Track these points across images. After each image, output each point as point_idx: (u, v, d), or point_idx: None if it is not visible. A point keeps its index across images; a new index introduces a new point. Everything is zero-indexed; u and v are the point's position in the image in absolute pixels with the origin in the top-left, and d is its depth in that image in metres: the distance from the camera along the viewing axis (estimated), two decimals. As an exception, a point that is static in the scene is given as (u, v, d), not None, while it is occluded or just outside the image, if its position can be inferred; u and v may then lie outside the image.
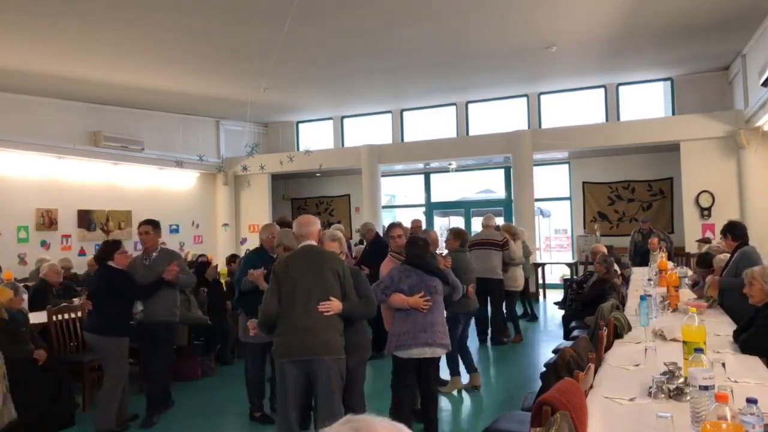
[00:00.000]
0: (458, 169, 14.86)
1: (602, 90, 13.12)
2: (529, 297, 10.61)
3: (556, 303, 10.14)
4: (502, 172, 15.01)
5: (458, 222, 15.35)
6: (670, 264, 7.20)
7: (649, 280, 6.99)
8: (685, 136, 11.54)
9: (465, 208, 15.60)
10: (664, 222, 12.80)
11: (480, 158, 14.18)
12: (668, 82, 12.75)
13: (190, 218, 14.52)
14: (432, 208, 15.69)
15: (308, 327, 3.76)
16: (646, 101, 13.11)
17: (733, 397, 1.95)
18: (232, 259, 9.30)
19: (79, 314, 6.12)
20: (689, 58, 11.11)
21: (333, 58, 10.21)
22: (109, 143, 12.17)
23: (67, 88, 10.98)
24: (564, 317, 7.49)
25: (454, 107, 14.26)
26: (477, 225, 14.30)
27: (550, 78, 12.35)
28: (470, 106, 14.19)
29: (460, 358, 6.13)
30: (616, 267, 7.31)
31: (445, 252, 6.23)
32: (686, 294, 6.07)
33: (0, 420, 4.42)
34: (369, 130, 15.16)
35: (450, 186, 15.70)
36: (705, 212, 11.53)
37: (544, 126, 13.45)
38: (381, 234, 8.44)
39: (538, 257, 13.34)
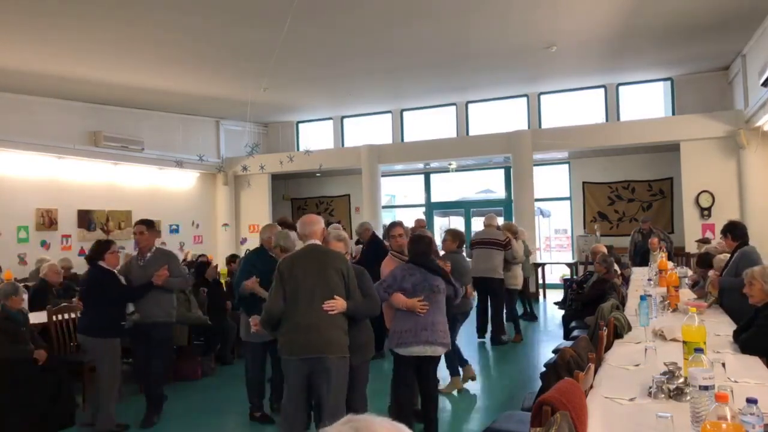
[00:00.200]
0: (458, 169, 14.86)
1: (602, 90, 13.12)
2: (529, 297, 10.61)
3: (556, 303, 10.15)
4: (502, 172, 15.01)
5: (458, 222, 15.35)
6: (670, 264, 7.20)
7: (649, 280, 6.99)
8: (685, 136, 11.54)
9: (465, 208, 15.60)
10: (664, 222, 12.79)
11: (480, 158, 14.18)
12: (668, 82, 12.75)
13: (190, 218, 14.52)
14: (432, 208, 15.69)
15: (312, 325, 3.80)
16: (646, 101, 13.11)
17: (733, 397, 1.94)
18: (232, 259, 9.30)
19: (78, 314, 6.10)
20: (689, 58, 11.11)
21: (333, 58, 10.21)
22: (109, 143, 12.17)
23: (67, 88, 10.98)
24: (564, 317, 7.49)
25: (454, 107, 14.26)
26: (477, 225, 14.32)
27: (550, 78, 12.35)
28: (470, 106, 14.19)
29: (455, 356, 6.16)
30: (616, 267, 7.31)
31: (442, 253, 6.23)
32: (686, 294, 6.07)
33: None
34: (369, 130, 15.16)
35: (450, 186, 15.70)
36: (705, 212, 11.53)
37: (544, 126, 13.45)
38: (380, 234, 8.43)
39: (538, 257, 13.34)
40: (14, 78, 10.17)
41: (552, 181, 14.25)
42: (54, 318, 5.96)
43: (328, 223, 13.55)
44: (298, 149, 15.25)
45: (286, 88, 12.07)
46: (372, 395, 4.61)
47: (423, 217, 12.83)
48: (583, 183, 13.89)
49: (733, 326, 4.23)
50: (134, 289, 5.22)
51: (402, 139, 14.70)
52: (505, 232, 8.70)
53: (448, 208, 15.99)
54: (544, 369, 4.24)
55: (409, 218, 13.00)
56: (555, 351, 5.18)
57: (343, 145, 15.31)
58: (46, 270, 7.31)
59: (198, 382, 6.82)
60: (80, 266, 10.09)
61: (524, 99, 13.71)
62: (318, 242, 4.09)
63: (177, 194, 14.30)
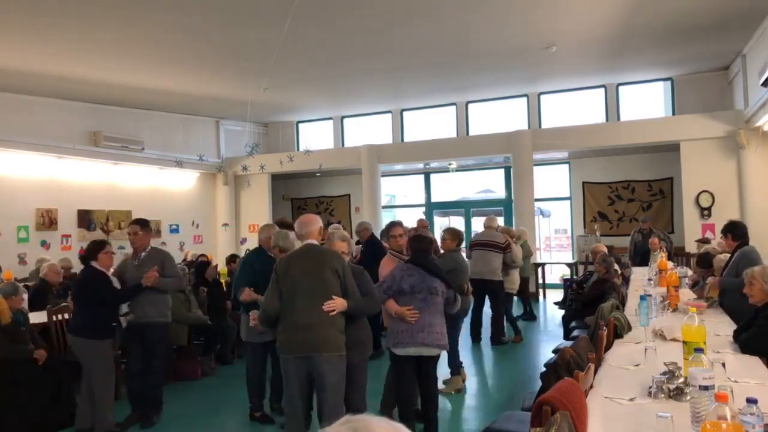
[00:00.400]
0: (458, 169, 14.86)
1: (602, 90, 13.12)
2: (529, 297, 10.61)
3: (556, 303, 10.15)
4: (502, 172, 15.01)
5: (458, 222, 15.34)
6: (670, 264, 7.20)
7: (649, 280, 6.99)
8: (685, 136, 11.54)
9: (465, 208, 15.60)
10: (664, 222, 12.80)
11: (480, 158, 14.18)
12: (668, 82, 12.75)
13: (190, 218, 14.52)
14: (432, 208, 15.68)
15: (309, 324, 3.82)
16: (646, 101, 13.11)
17: (733, 397, 1.94)
18: (232, 259, 9.30)
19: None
20: (689, 58, 11.11)
21: (333, 58, 10.21)
22: (109, 143, 12.18)
23: (67, 88, 10.99)
24: (564, 317, 7.48)
25: (454, 107, 14.26)
26: (477, 225, 14.33)
27: (550, 78, 12.35)
28: (470, 106, 14.19)
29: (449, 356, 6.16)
30: (616, 267, 7.31)
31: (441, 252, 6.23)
32: (686, 294, 6.07)
33: None
34: (369, 130, 15.16)
35: (450, 186, 15.70)
36: (705, 212, 11.53)
37: (544, 126, 13.45)
38: (379, 234, 8.40)
39: (538, 257, 13.33)
40: (14, 78, 10.17)
41: (552, 181, 14.25)
42: (54, 318, 5.96)
43: (328, 223, 13.53)
44: (298, 149, 15.25)
45: (286, 88, 12.07)
46: (371, 395, 4.61)
47: (424, 217, 12.83)
48: (583, 183, 13.89)
49: (733, 326, 4.23)
50: (124, 292, 5.15)
51: (402, 139, 14.70)
52: (504, 235, 8.69)
53: (448, 208, 15.98)
54: (544, 369, 4.23)
55: (409, 218, 13.00)
56: (555, 351, 5.18)
57: (343, 145, 15.31)
58: (46, 270, 7.32)
59: (198, 382, 6.82)
60: (80, 266, 10.08)
61: (524, 99, 13.72)
62: (315, 242, 4.11)
63: (177, 194, 14.30)
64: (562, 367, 3.33)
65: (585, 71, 11.88)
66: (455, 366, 6.14)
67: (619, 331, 4.21)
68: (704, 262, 6.40)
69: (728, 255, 5.67)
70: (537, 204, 13.39)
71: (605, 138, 12.26)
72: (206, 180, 15.01)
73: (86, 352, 4.93)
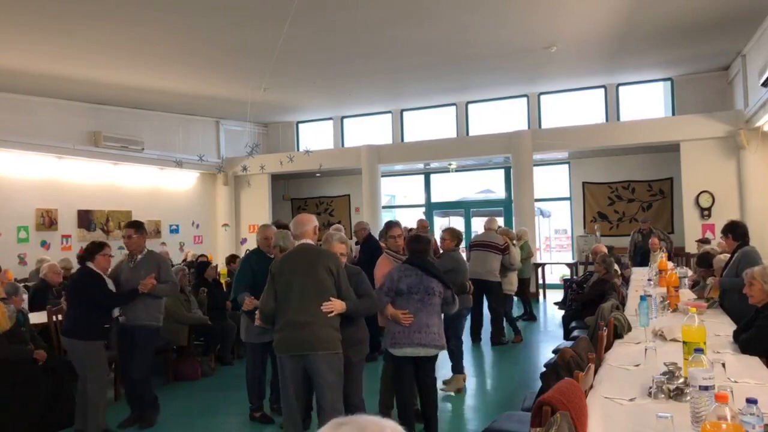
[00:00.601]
0: (458, 169, 14.86)
1: (602, 90, 13.12)
2: (529, 297, 10.61)
3: (556, 303, 10.14)
4: (502, 172, 15.01)
5: (458, 222, 15.34)
6: (670, 264, 7.19)
7: (649, 280, 6.98)
8: (685, 136, 11.54)
9: (465, 208, 15.60)
10: (664, 222, 12.80)
11: (480, 158, 14.18)
12: (668, 82, 12.75)
13: (190, 218, 14.52)
14: (432, 208, 15.68)
15: (304, 323, 3.85)
16: (646, 101, 13.11)
17: (733, 397, 1.94)
18: (232, 259, 9.30)
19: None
20: (689, 58, 11.11)
21: (333, 58, 10.21)
22: (109, 143, 12.18)
23: (67, 88, 10.99)
24: (564, 317, 7.48)
25: (454, 107, 14.27)
26: (477, 225, 14.34)
27: (550, 78, 12.35)
28: (470, 106, 14.19)
29: (448, 353, 6.17)
30: (616, 267, 7.31)
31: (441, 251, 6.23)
32: (686, 294, 6.06)
33: None
34: (369, 130, 15.16)
35: (450, 186, 15.70)
36: (705, 212, 11.53)
37: (544, 126, 13.45)
38: (378, 234, 8.38)
39: (538, 257, 13.33)
40: (14, 78, 10.17)
41: (552, 182, 14.25)
42: (54, 318, 5.96)
43: (328, 224, 13.51)
44: (298, 149, 15.26)
45: (286, 88, 12.07)
46: (371, 395, 4.62)
47: (424, 217, 12.82)
48: (583, 183, 13.89)
49: (733, 326, 4.23)
50: (119, 296, 5.10)
51: (402, 139, 14.70)
52: (504, 237, 8.71)
53: (448, 208, 15.98)
54: (544, 369, 4.23)
55: (409, 218, 13.01)
56: (555, 351, 5.18)
57: (343, 145, 15.31)
58: (46, 270, 7.32)
59: (198, 382, 6.81)
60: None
61: (524, 99, 13.72)
62: (310, 241, 4.13)
63: (177, 194, 14.30)
64: (562, 367, 3.33)
65: (585, 71, 11.88)
66: (459, 366, 6.14)
67: (619, 331, 4.21)
68: (704, 261, 6.40)
69: (728, 255, 5.66)
70: (537, 204, 13.39)
71: (605, 138, 12.26)
72: (206, 180, 15.01)
73: (78, 353, 4.89)
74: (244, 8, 7.81)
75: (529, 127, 13.43)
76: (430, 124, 14.71)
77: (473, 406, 5.85)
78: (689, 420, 2.24)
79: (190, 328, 7.04)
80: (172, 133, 13.72)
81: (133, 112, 12.95)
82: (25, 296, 6.46)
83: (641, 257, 10.12)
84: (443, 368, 6.55)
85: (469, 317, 7.43)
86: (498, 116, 14.01)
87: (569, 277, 11.53)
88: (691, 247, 10.86)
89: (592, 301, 6.15)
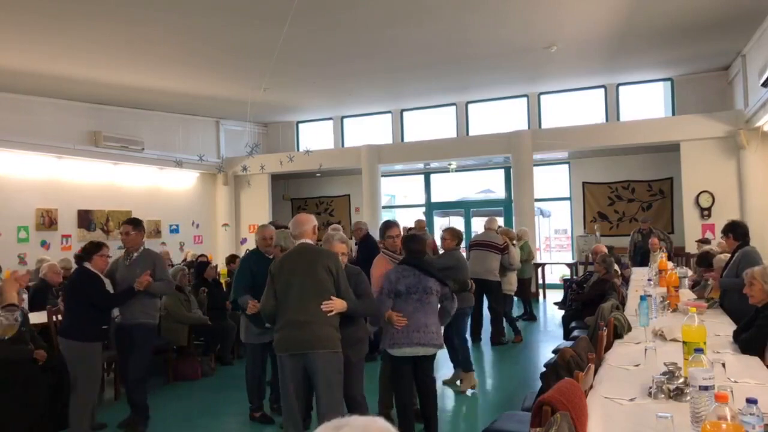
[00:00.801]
0: (458, 169, 14.86)
1: (602, 90, 13.12)
2: (529, 297, 10.61)
3: (556, 303, 10.14)
4: (502, 172, 15.01)
5: (458, 222, 15.34)
6: (670, 264, 7.19)
7: (649, 280, 6.98)
8: (685, 136, 11.54)
9: (465, 208, 15.60)
10: (664, 222, 12.80)
11: (480, 158, 14.18)
12: (668, 82, 12.75)
13: (190, 218, 14.52)
14: (432, 208, 15.69)
15: (303, 322, 3.86)
16: (646, 101, 13.12)
17: (733, 397, 1.94)
18: (231, 259, 9.29)
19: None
20: (689, 58, 11.11)
21: (333, 58, 10.21)
22: (109, 143, 12.18)
23: (67, 88, 10.99)
24: (564, 317, 7.48)
25: (454, 107, 14.27)
26: (477, 225, 14.33)
27: (550, 78, 12.35)
28: (470, 106, 14.19)
29: (448, 353, 6.17)
30: (615, 267, 7.31)
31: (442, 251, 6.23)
32: (686, 294, 6.07)
33: None
34: (369, 130, 15.16)
35: (450, 186, 15.70)
36: (705, 212, 11.53)
37: (544, 126, 13.45)
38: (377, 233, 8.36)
39: (539, 257, 13.33)
40: (14, 78, 10.17)
41: (552, 181, 14.25)
42: (54, 318, 5.95)
43: (327, 224, 13.49)
44: (298, 149, 15.26)
45: (286, 88, 12.07)
46: (370, 394, 4.61)
47: (423, 218, 12.81)
48: (583, 183, 13.89)
49: (733, 326, 4.23)
50: (116, 296, 5.06)
51: (402, 139, 14.70)
52: (503, 237, 8.72)
53: (448, 208, 15.99)
54: (544, 369, 4.23)
55: (409, 218, 13.00)
56: (555, 351, 5.18)
57: (343, 145, 15.31)
58: (46, 270, 7.32)
59: (198, 382, 6.81)
60: (80, 266, 10.09)
61: (524, 99, 13.72)
62: (309, 241, 4.14)
63: (177, 194, 14.30)
64: (562, 367, 3.33)
65: (585, 71, 11.88)
66: (467, 364, 6.16)
67: (619, 331, 4.21)
68: (704, 260, 6.40)
69: (728, 255, 5.66)
70: (537, 204, 13.39)
71: (605, 138, 12.26)
72: (206, 180, 15.01)
73: (73, 354, 4.83)
74: (244, 8, 7.81)
75: (529, 127, 13.43)
76: (430, 124, 14.71)
77: (473, 406, 5.85)
78: (689, 420, 2.24)
79: (190, 328, 7.04)
80: (172, 133, 13.72)
81: (133, 112, 12.95)
82: (25, 296, 6.45)
83: (641, 257, 10.12)
84: (444, 368, 6.57)
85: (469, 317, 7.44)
86: (498, 116, 14.01)
87: (569, 277, 11.53)
88: (691, 247, 10.86)
89: (592, 301, 6.14)
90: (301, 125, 16.02)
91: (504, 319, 8.56)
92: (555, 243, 15.60)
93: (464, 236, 7.65)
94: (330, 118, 15.57)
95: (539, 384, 4.16)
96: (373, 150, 14.10)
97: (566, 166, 14.23)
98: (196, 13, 7.93)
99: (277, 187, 15.90)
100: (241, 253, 10.73)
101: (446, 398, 5.92)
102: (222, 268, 9.17)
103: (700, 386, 2.18)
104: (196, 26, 8.44)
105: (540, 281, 12.77)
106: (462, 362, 6.17)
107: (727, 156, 11.31)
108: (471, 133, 14.07)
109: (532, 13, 8.51)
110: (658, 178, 13.22)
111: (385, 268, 4.83)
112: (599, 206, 13.72)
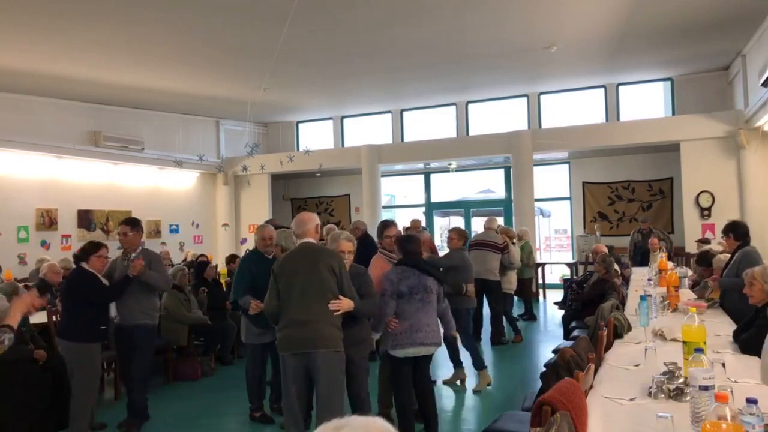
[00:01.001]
0: (458, 169, 14.86)
1: (602, 90, 13.12)
2: (529, 297, 10.61)
3: (556, 303, 10.14)
4: (502, 172, 15.01)
5: (458, 222, 15.35)
6: (670, 264, 7.19)
7: (649, 280, 6.97)
8: (685, 136, 11.54)
9: (465, 208, 15.60)
10: (664, 222, 12.80)
11: (480, 158, 14.18)
12: (668, 82, 12.75)
13: (190, 218, 14.52)
14: (432, 208, 15.69)
15: (306, 321, 3.86)
16: (646, 101, 13.12)
17: (733, 397, 1.94)
18: (231, 259, 9.30)
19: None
20: (689, 58, 11.11)
21: (333, 58, 10.21)
22: (109, 143, 12.18)
23: (67, 88, 10.99)
24: (564, 317, 7.48)
25: (454, 107, 14.27)
26: (477, 225, 14.33)
27: (550, 78, 12.35)
28: (470, 106, 14.19)
29: (448, 352, 6.18)
30: (615, 267, 7.31)
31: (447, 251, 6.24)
32: (686, 294, 6.06)
33: None
34: (369, 130, 15.16)
35: (450, 186, 15.70)
36: (705, 212, 11.53)
37: (544, 126, 13.45)
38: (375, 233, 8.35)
39: (539, 257, 13.33)
40: (14, 78, 10.17)
41: (552, 181, 14.25)
42: (54, 318, 5.95)
43: (327, 224, 13.56)
44: (298, 149, 15.26)
45: (286, 88, 12.07)
46: (371, 394, 4.61)
47: (422, 217, 12.82)
48: (583, 183, 13.89)
49: (733, 326, 4.23)
50: (112, 288, 5.02)
51: (402, 139, 14.71)
52: (503, 236, 8.72)
53: (448, 208, 15.99)
54: (544, 369, 4.23)
55: (409, 218, 12.98)
56: (555, 351, 5.18)
57: (343, 145, 15.31)
58: (46, 270, 7.31)
59: (198, 382, 6.81)
60: (80, 266, 10.09)
61: (524, 99, 13.72)
62: (312, 240, 4.14)
63: (177, 194, 14.30)
64: (562, 367, 3.33)
65: (585, 71, 11.88)
66: (478, 361, 6.17)
67: (619, 331, 4.21)
68: (704, 260, 6.40)
69: (728, 255, 5.66)
70: (537, 204, 13.39)
71: (605, 138, 12.26)
72: (206, 180, 15.02)
73: (72, 355, 4.80)
74: (244, 8, 7.81)
75: (529, 127, 13.43)
76: (430, 124, 14.71)
77: (473, 406, 5.84)
78: (689, 420, 2.24)
79: (190, 328, 7.04)
80: (172, 133, 13.72)
81: (133, 112, 12.95)
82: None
83: (641, 257, 10.12)
84: (444, 368, 6.57)
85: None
86: (498, 116, 14.01)
87: (569, 277, 11.52)
88: (691, 247, 10.86)
89: (592, 301, 6.14)
90: (301, 125, 16.02)
91: (504, 319, 8.56)
92: (555, 243, 15.61)
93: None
94: (330, 118, 15.57)
95: (539, 384, 4.16)
96: (373, 150, 14.10)
97: (566, 166, 14.23)
98: (196, 13, 7.93)
99: (277, 187, 15.90)
100: (241, 253, 10.73)
101: (446, 398, 5.92)
102: (222, 268, 9.17)
103: (700, 386, 2.18)
104: (196, 26, 8.44)
105: (540, 281, 12.77)
106: (474, 362, 6.20)
107: (727, 156, 11.31)
108: (471, 133, 14.07)
109: (532, 13, 8.51)
110: (658, 178, 13.22)
111: (383, 268, 4.83)
112: (599, 206, 13.72)
